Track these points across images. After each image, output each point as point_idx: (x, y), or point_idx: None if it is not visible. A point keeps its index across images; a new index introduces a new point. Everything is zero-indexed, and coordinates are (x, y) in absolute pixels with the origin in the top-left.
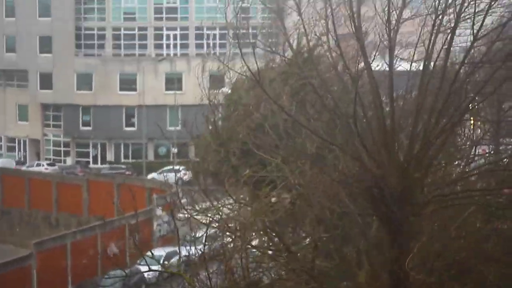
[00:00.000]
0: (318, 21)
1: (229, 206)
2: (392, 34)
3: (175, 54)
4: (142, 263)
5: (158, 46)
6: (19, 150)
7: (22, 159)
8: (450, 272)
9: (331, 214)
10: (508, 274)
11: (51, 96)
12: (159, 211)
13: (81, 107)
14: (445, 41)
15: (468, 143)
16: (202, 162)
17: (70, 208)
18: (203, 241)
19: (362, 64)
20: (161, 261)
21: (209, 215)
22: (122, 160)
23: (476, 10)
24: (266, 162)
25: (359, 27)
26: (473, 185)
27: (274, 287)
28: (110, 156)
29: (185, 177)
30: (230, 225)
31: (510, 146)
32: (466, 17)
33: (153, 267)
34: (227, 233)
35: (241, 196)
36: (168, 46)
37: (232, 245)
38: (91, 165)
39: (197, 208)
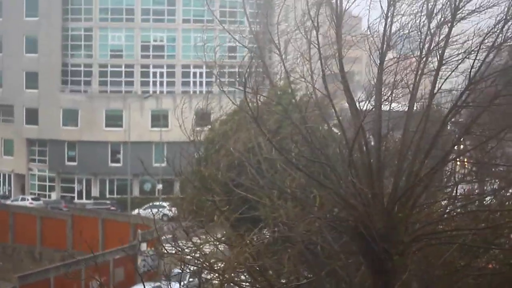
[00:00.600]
0: (302, 62)
1: (211, 244)
2: (380, 75)
3: (161, 92)
4: None
5: (145, 83)
6: (4, 184)
7: (6, 193)
8: None
9: (314, 252)
10: None
11: (37, 131)
12: (143, 247)
13: (67, 142)
14: (432, 83)
15: (452, 183)
16: (184, 199)
17: (54, 243)
18: (187, 277)
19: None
20: None
21: (192, 253)
22: (107, 195)
23: (460, 52)
24: (247, 200)
25: (342, 67)
26: (457, 224)
27: None
28: (95, 192)
29: (170, 213)
30: (212, 261)
31: (493, 187)
32: (449, 60)
33: None
34: (209, 270)
35: (223, 233)
36: (154, 83)
37: (215, 282)
38: (76, 200)
39: (180, 244)
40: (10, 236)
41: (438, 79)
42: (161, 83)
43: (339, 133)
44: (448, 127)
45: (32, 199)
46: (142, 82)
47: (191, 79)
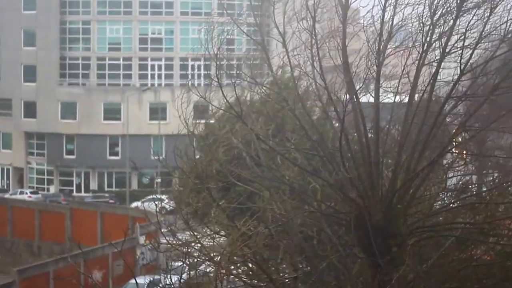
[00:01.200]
0: (304, 52)
1: (209, 236)
2: (379, 66)
3: (159, 84)
4: None
5: (143, 76)
6: (2, 178)
7: (5, 187)
8: None
9: (312, 245)
10: None
11: (35, 124)
12: (142, 240)
13: (65, 135)
14: (431, 75)
15: (451, 175)
16: (182, 192)
17: (52, 236)
18: (185, 270)
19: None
20: None
21: (190, 244)
22: (106, 188)
23: (463, 45)
24: (245, 192)
25: (346, 59)
26: (455, 217)
27: None
28: (93, 185)
29: (168, 206)
30: (211, 254)
31: (491, 178)
32: (452, 51)
33: None
34: (208, 263)
35: (221, 226)
36: (152, 76)
37: (213, 274)
38: (75, 194)
39: (178, 237)
40: (8, 230)
41: (439, 70)
42: (159, 76)
43: (337, 125)
44: (448, 120)
45: (31, 192)
46: (140, 75)
47: (189, 71)
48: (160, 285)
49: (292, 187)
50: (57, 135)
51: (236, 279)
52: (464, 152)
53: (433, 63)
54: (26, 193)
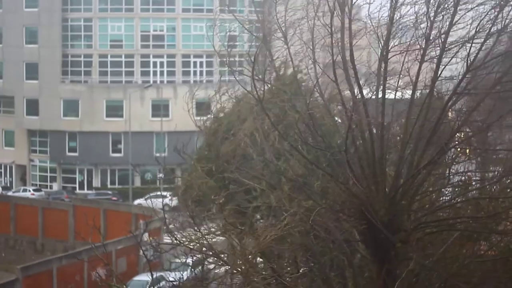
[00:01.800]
0: (305, 50)
1: (215, 233)
2: (383, 63)
3: (161, 81)
4: None
5: (145, 73)
6: (5, 175)
7: (8, 184)
8: None
9: (317, 240)
10: None
11: (38, 122)
12: (145, 237)
13: (68, 133)
14: (434, 71)
15: (454, 170)
16: (189, 188)
17: (56, 234)
18: (189, 266)
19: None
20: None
21: (196, 241)
22: (109, 186)
23: (463, 40)
24: (252, 189)
25: (352, 56)
26: (459, 212)
27: None
28: (96, 182)
29: (172, 203)
30: (216, 251)
31: (494, 173)
32: (452, 47)
33: None
34: (214, 259)
35: (227, 222)
36: (154, 73)
37: (218, 270)
38: (78, 191)
39: (183, 233)
40: (12, 227)
41: (440, 66)
42: (162, 73)
43: (340, 121)
44: (450, 115)
45: (34, 190)
46: (142, 72)
47: (191, 68)
48: (163, 282)
49: (297, 182)
50: (59, 132)
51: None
52: (467, 147)
53: (433, 59)
54: (29, 191)
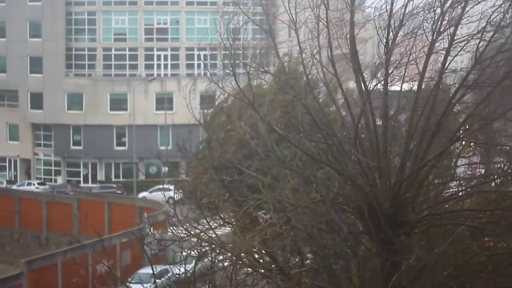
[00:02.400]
0: (311, 41)
1: (219, 226)
2: (388, 54)
3: (165, 74)
4: (133, 281)
5: (149, 67)
6: (10, 169)
7: (12, 178)
8: None
9: (321, 233)
10: None
11: (42, 116)
12: (149, 230)
13: (72, 126)
14: (441, 63)
15: (459, 163)
16: (194, 181)
17: (60, 227)
18: (194, 260)
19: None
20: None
21: (200, 234)
22: (113, 179)
23: (471, 33)
24: (255, 182)
25: (355, 48)
26: (464, 205)
27: None
28: (100, 176)
29: (176, 196)
30: (221, 243)
31: (500, 166)
32: (460, 40)
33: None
34: (217, 251)
35: (231, 215)
36: (158, 66)
37: (222, 263)
38: (82, 185)
39: (187, 227)
40: (16, 221)
41: (448, 58)
42: (165, 66)
43: (345, 113)
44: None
45: (38, 183)
46: (146, 65)
47: (195, 61)
48: (168, 275)
49: (301, 175)
50: (63, 126)
51: (250, 269)
52: (472, 141)
53: (441, 51)
54: (34, 184)
